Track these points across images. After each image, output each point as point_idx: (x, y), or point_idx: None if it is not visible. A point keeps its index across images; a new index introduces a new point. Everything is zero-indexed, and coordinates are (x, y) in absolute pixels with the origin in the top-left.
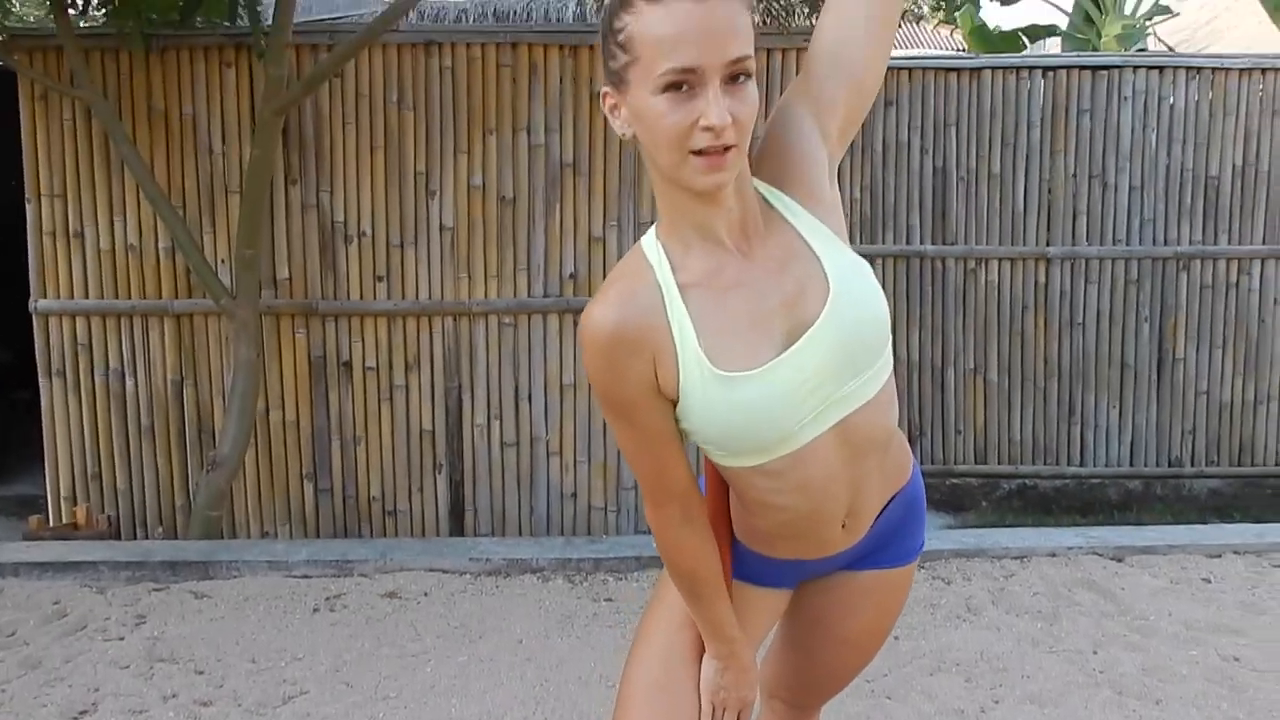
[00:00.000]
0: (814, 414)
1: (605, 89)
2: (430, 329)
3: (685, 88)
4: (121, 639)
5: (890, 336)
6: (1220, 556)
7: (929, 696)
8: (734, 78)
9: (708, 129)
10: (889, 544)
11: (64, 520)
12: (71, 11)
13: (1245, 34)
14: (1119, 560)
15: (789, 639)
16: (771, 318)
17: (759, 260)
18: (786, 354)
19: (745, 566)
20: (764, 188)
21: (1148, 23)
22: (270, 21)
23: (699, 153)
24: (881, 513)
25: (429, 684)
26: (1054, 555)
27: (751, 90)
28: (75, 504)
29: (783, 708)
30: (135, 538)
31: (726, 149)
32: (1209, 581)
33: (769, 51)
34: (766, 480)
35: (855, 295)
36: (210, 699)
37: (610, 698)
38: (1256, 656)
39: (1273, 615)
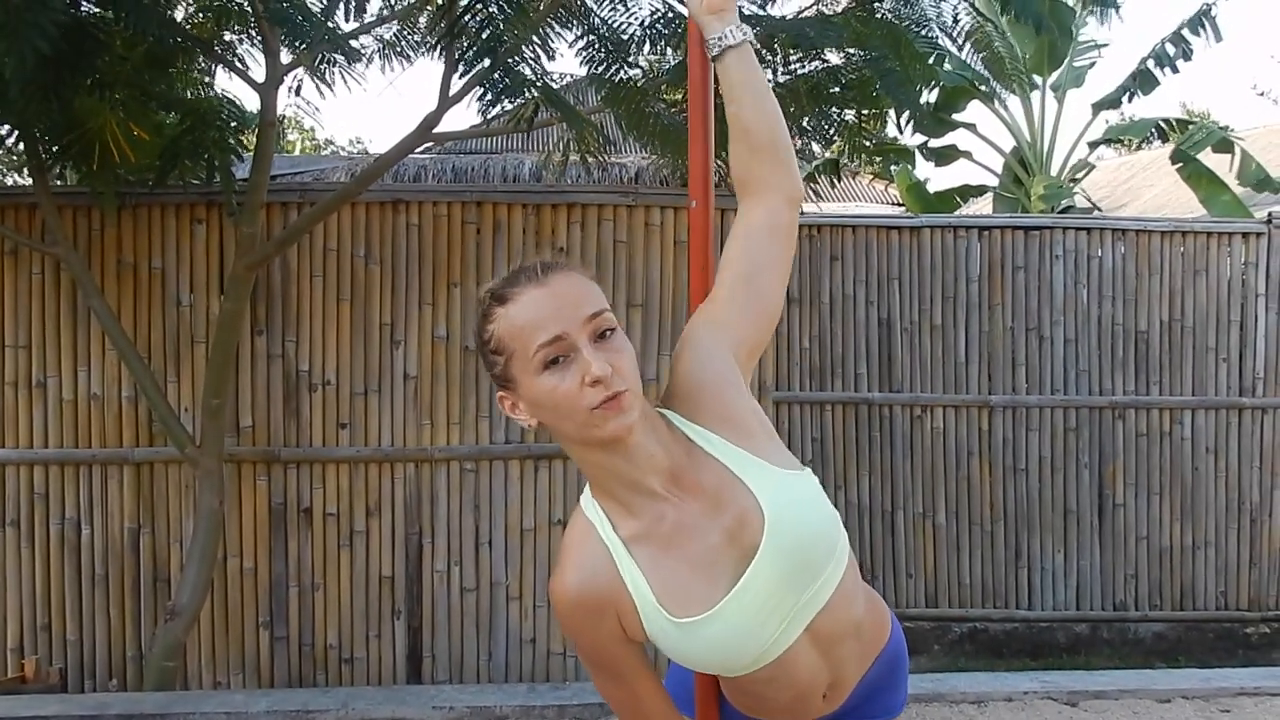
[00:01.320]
0: (780, 629)
1: (501, 394)
2: (392, 475)
3: (561, 359)
4: None
5: (841, 535)
6: (1170, 701)
7: None
8: (600, 335)
9: (595, 382)
10: (873, 698)
11: (9, 675)
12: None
13: (1162, 191)
14: (1073, 705)
15: None
16: (717, 554)
17: (694, 500)
18: (735, 589)
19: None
20: (681, 422)
21: (1071, 183)
22: (246, 179)
23: (597, 407)
24: (866, 675)
25: None
26: (1010, 700)
27: (620, 339)
28: (23, 656)
29: None
30: (84, 690)
31: (618, 395)
32: None
33: (722, 212)
34: (754, 684)
35: (791, 516)
36: None
37: None
38: None
39: None
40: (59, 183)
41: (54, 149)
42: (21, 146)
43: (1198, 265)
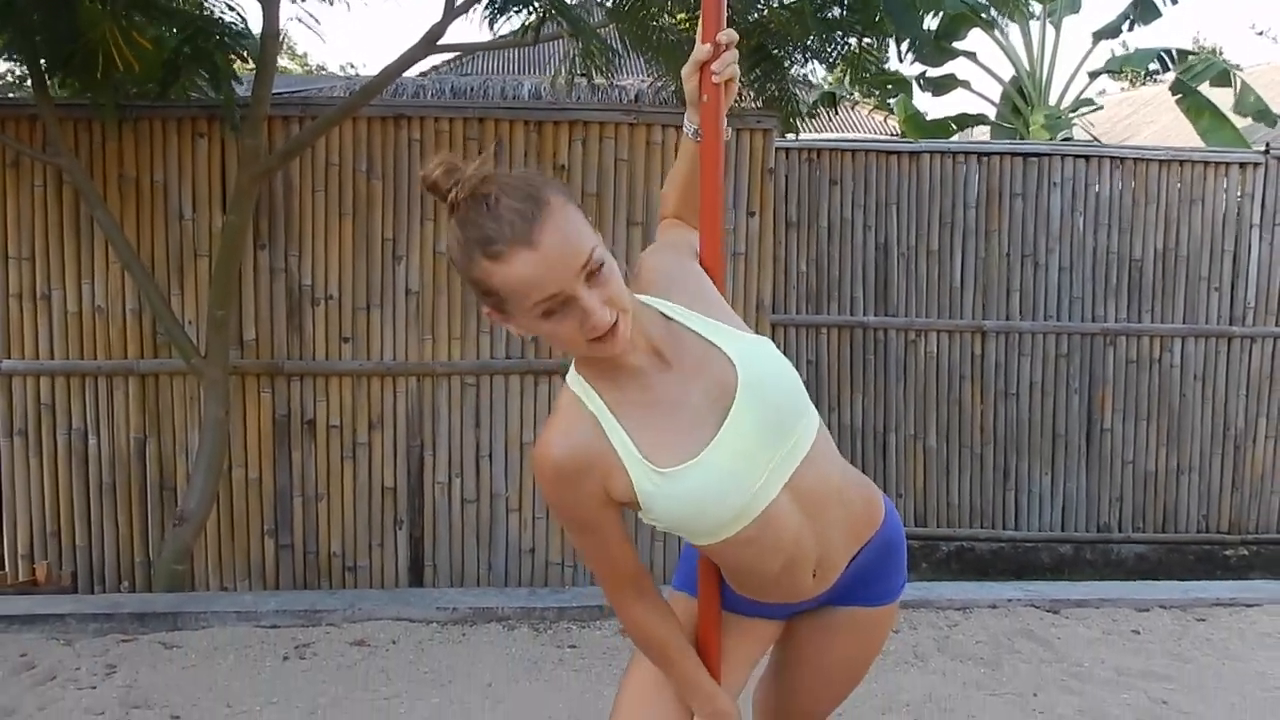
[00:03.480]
0: (761, 482)
1: (488, 310)
2: (394, 389)
3: (559, 306)
4: (94, 688)
5: (807, 399)
6: (1149, 611)
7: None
8: (592, 274)
9: (591, 326)
10: (869, 583)
11: (21, 579)
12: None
13: (1163, 128)
14: (1055, 612)
15: (774, 667)
16: (698, 412)
17: (675, 368)
18: (716, 439)
19: (733, 601)
20: (656, 302)
21: (1072, 114)
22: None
23: (592, 340)
24: (855, 558)
25: None
26: (994, 607)
27: (609, 270)
28: (34, 562)
29: None
30: (94, 593)
31: (614, 325)
32: (1138, 633)
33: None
34: (742, 548)
35: (762, 373)
36: None
37: None
38: (1183, 700)
39: (1197, 664)
40: (62, 93)
41: (55, 59)
42: (23, 61)
43: (1194, 195)
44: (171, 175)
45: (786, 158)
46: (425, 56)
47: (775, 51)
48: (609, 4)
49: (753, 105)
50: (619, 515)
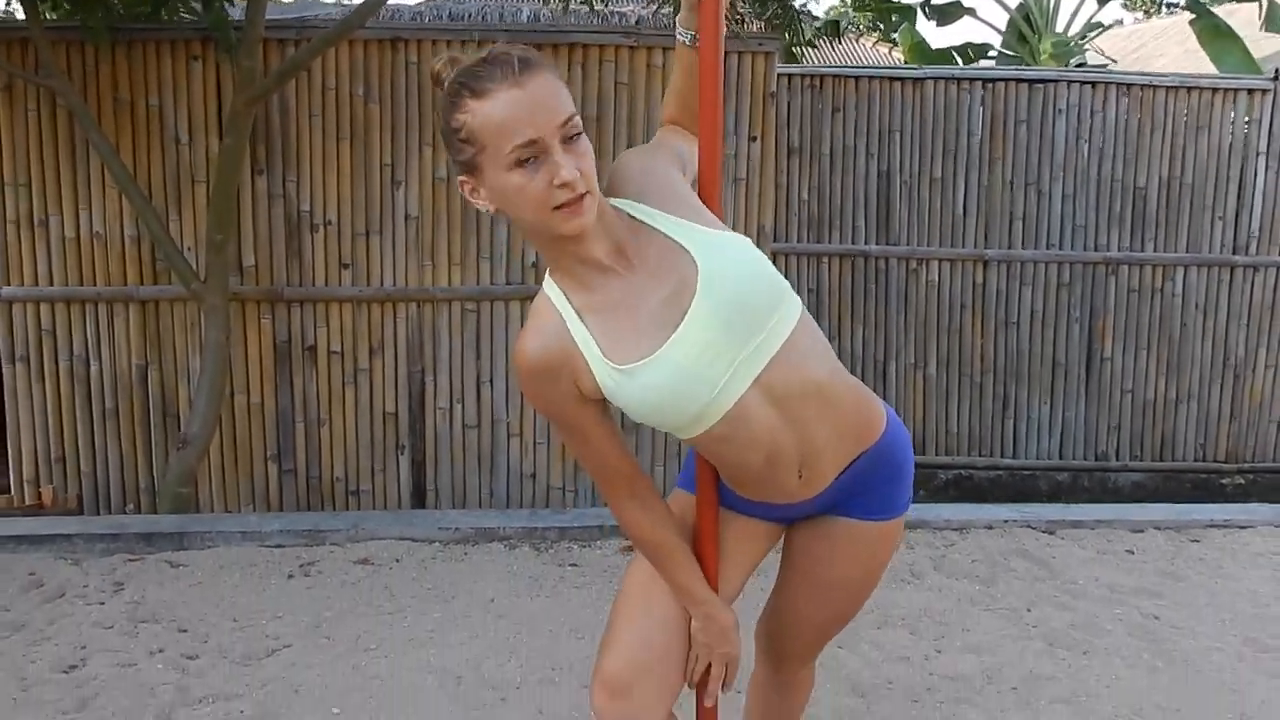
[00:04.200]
0: (726, 378)
1: (463, 178)
2: (394, 315)
3: (532, 159)
4: (102, 604)
5: (788, 295)
6: (1143, 531)
7: (877, 646)
8: (570, 138)
9: (564, 185)
10: (867, 493)
11: (27, 502)
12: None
13: (1171, 61)
14: (1050, 533)
15: (778, 586)
16: (660, 312)
17: (638, 270)
18: (674, 335)
19: (730, 500)
20: (626, 204)
21: (1081, 40)
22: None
23: (560, 207)
24: (847, 468)
25: (407, 637)
26: (990, 527)
27: (585, 143)
28: (39, 486)
29: (768, 663)
30: (100, 516)
31: (581, 197)
32: (1132, 553)
33: (725, 54)
34: (719, 444)
35: (726, 267)
36: (196, 653)
37: (581, 649)
38: (1175, 616)
39: (1189, 582)
40: (51, 16)
41: None
42: None
43: (1200, 122)
44: (167, 99)
45: (789, 85)
46: None
47: None
48: None
49: (754, 29)
50: (600, 413)
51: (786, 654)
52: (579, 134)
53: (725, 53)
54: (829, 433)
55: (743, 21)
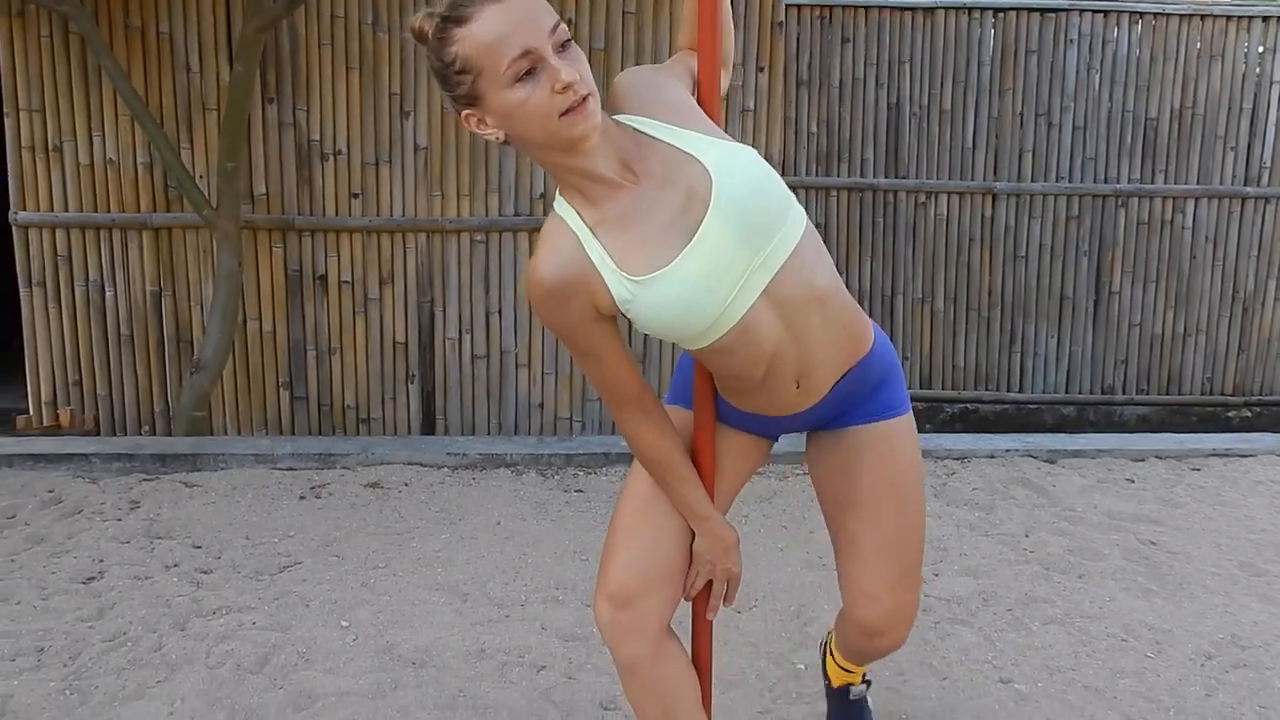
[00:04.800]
0: (738, 288)
1: (465, 112)
2: (404, 245)
3: (529, 72)
4: (119, 520)
5: (794, 206)
6: (1144, 460)
7: None
8: (561, 46)
9: (565, 88)
10: (863, 399)
11: (45, 424)
12: None
13: None
14: (1051, 462)
15: (836, 544)
16: (672, 223)
17: (645, 183)
18: (689, 245)
19: (726, 415)
20: (629, 119)
21: None
22: None
23: (565, 113)
24: (840, 380)
25: (415, 556)
26: (992, 457)
27: (577, 50)
28: (57, 409)
29: (856, 619)
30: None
31: (583, 99)
32: (1132, 481)
33: None
34: (725, 356)
35: (737, 177)
36: (210, 568)
37: (584, 570)
38: (1171, 541)
39: (1188, 509)
40: None
41: None
42: None
43: (1214, 50)
44: (177, 26)
45: (798, 16)
46: None
47: None
48: None
49: None
50: (612, 332)
51: (869, 597)
52: (569, 40)
53: None
54: (828, 344)
55: None
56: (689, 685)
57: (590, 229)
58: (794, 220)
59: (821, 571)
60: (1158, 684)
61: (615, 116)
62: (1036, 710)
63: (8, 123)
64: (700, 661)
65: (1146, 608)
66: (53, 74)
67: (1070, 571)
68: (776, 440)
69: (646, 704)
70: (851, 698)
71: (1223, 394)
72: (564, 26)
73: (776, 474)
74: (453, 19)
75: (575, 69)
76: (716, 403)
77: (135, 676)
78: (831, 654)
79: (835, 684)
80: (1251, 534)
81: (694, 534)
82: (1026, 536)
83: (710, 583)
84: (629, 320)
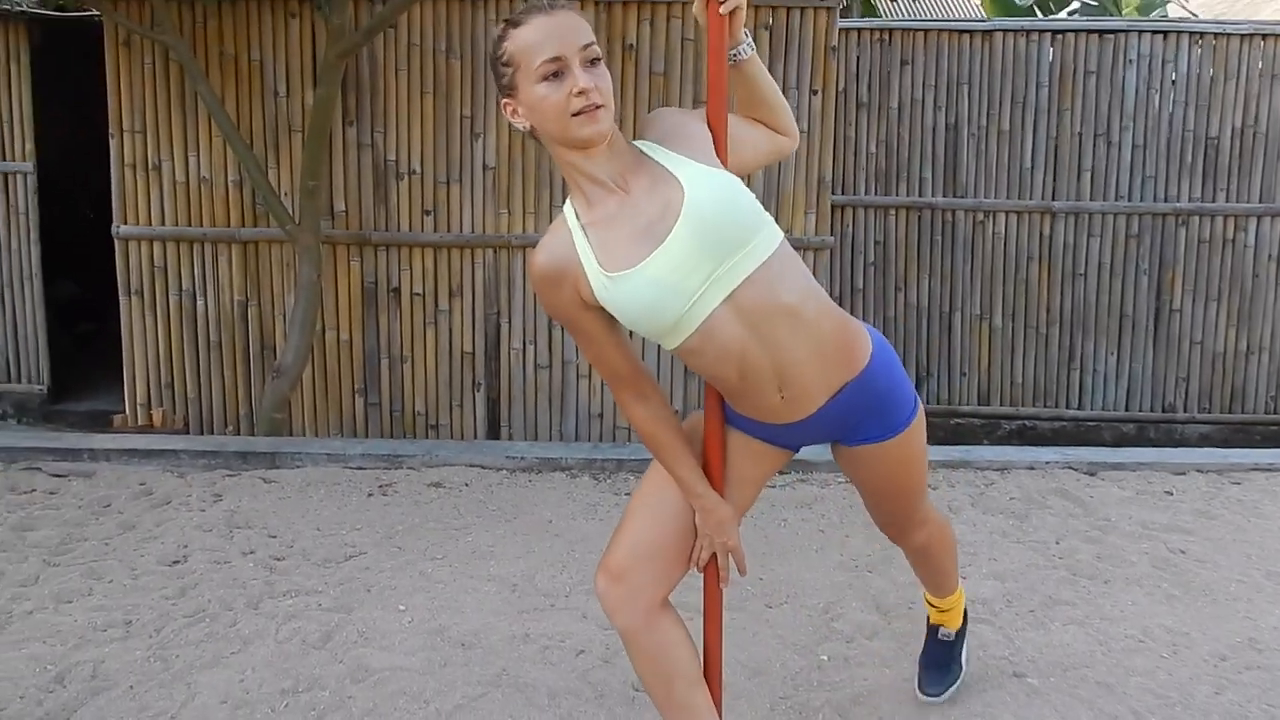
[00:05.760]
0: (700, 292)
1: (504, 100)
2: (473, 260)
3: (556, 75)
4: (203, 511)
5: (768, 225)
6: (1185, 474)
7: (905, 571)
8: (590, 62)
9: (580, 93)
10: (862, 422)
11: (140, 422)
12: None
13: None
14: (1091, 474)
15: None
16: (648, 229)
17: (634, 193)
18: (657, 250)
19: (735, 420)
20: (645, 145)
21: None
22: None
23: (577, 114)
24: (837, 395)
25: (471, 549)
26: (1032, 468)
27: (604, 69)
28: (151, 409)
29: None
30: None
31: (597, 107)
32: (1170, 494)
33: (788, 10)
34: (695, 357)
35: (709, 194)
36: (283, 555)
37: None
38: (1200, 550)
39: (1222, 521)
40: None
41: None
42: None
43: (1275, 70)
44: (267, 53)
45: (858, 39)
46: None
47: None
48: None
49: None
50: (603, 319)
51: (893, 536)
52: (598, 59)
53: (788, 8)
54: (806, 355)
55: None
56: (685, 657)
57: (583, 227)
58: (764, 239)
59: (853, 572)
60: (1169, 682)
61: (635, 141)
62: (1045, 703)
63: (113, 143)
64: (710, 628)
65: (1167, 611)
66: (154, 98)
67: (1096, 577)
68: (796, 451)
69: (645, 671)
70: (939, 637)
71: None
72: (596, 47)
73: (819, 482)
74: (512, 22)
75: (595, 81)
76: (728, 410)
77: (212, 648)
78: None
79: (931, 620)
80: None
81: (693, 514)
82: (1057, 544)
83: (716, 556)
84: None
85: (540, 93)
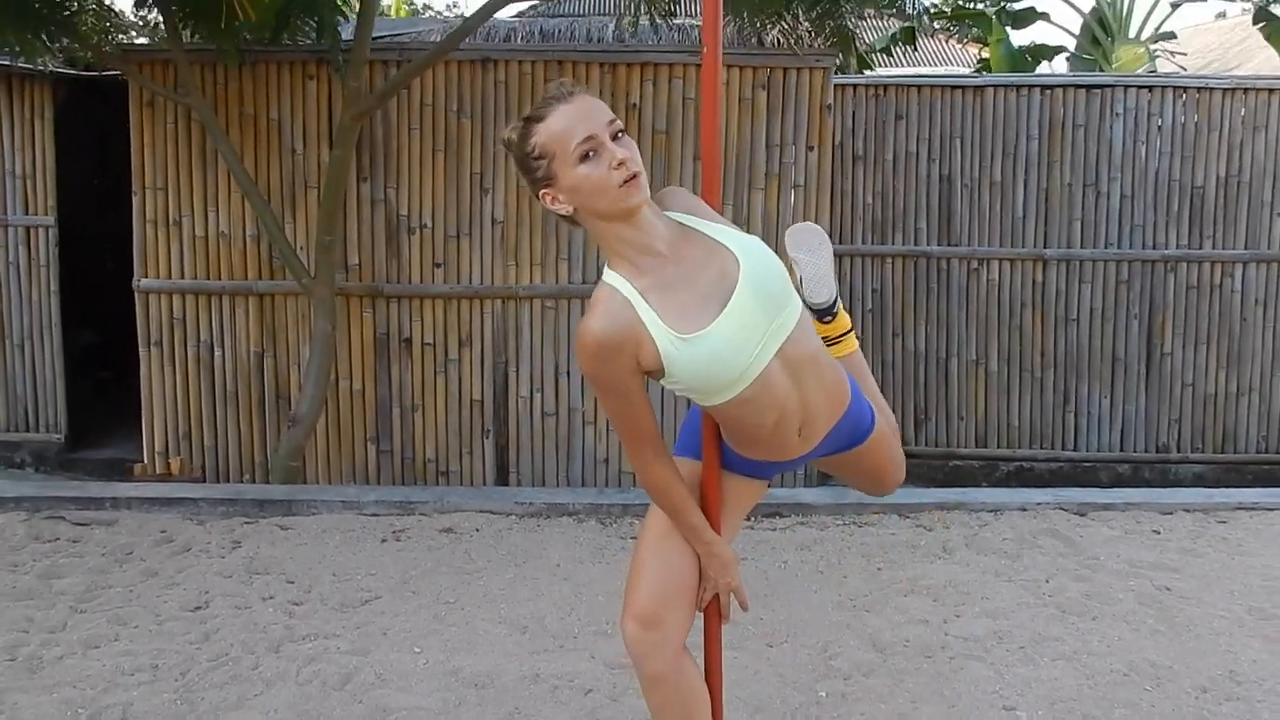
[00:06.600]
0: (759, 348)
1: (543, 191)
2: (481, 310)
3: (591, 154)
4: (223, 557)
5: (790, 282)
6: (1172, 513)
7: (901, 611)
8: (615, 136)
9: (619, 165)
10: (844, 441)
11: (158, 471)
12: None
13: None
14: (1082, 515)
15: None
16: (708, 292)
17: (687, 259)
18: (725, 310)
19: (732, 463)
20: (678, 215)
21: (1153, 46)
22: (349, 39)
23: (622, 185)
24: (833, 429)
25: (482, 593)
26: (1024, 509)
27: (629, 140)
28: (169, 457)
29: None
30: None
31: (634, 175)
32: (1158, 533)
33: (784, 71)
34: (745, 407)
35: (757, 260)
36: (301, 600)
37: None
38: (1186, 588)
39: (1208, 559)
40: (194, 37)
41: (185, 10)
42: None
43: (1257, 122)
44: (285, 113)
45: (854, 94)
46: (505, 6)
47: None
48: None
49: (814, 44)
50: (643, 384)
51: (870, 493)
52: (623, 131)
53: (784, 68)
54: (821, 397)
55: (800, 41)
56: (704, 698)
57: (640, 293)
58: (795, 299)
59: (850, 612)
60: (1152, 713)
61: (666, 212)
62: None
63: (135, 200)
64: (711, 665)
65: (1152, 646)
66: (175, 157)
67: (1085, 614)
68: (771, 481)
69: (670, 714)
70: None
71: (1278, 452)
72: (618, 121)
73: (818, 524)
74: (533, 118)
75: (628, 152)
76: (723, 452)
77: (235, 690)
78: None
79: None
80: (1265, 581)
81: (699, 558)
82: (1047, 582)
83: (718, 595)
84: (663, 376)
85: (582, 173)
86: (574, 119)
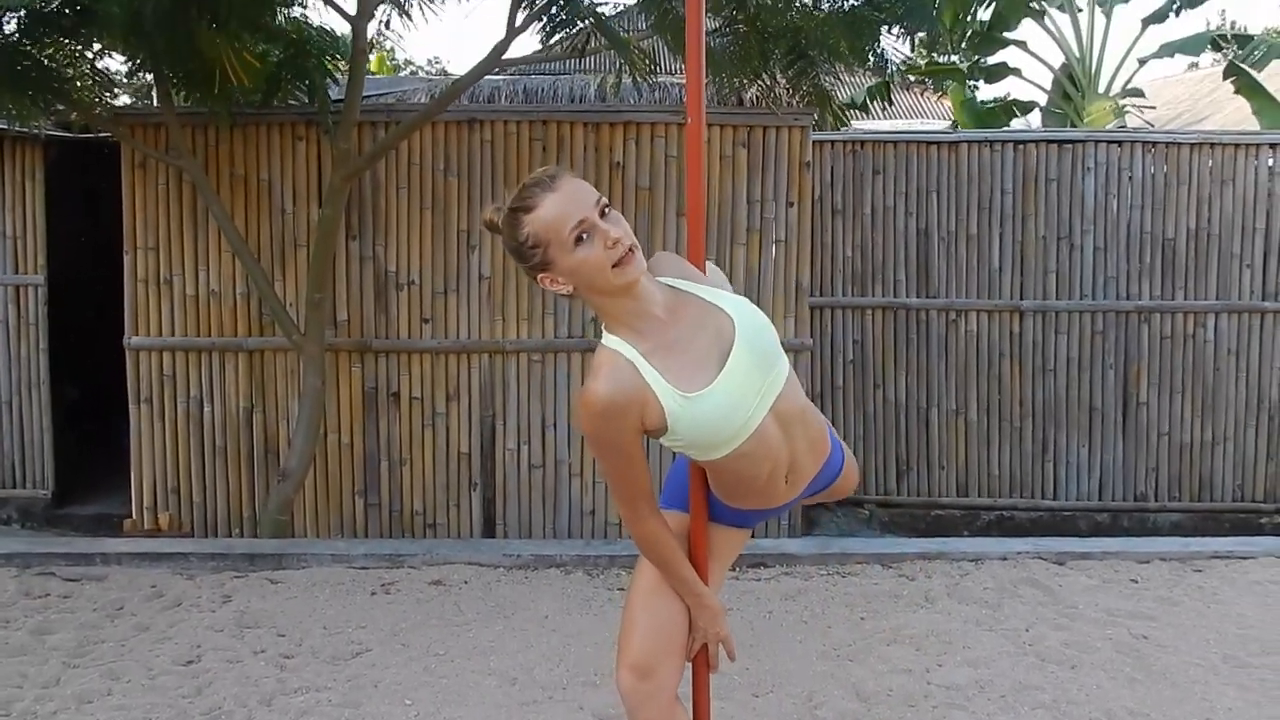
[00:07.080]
0: (756, 403)
1: (541, 275)
2: (469, 365)
3: (584, 236)
4: (214, 611)
5: (779, 344)
6: (1149, 562)
7: (883, 660)
8: (604, 213)
9: (614, 243)
10: (822, 483)
11: (147, 527)
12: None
13: (1246, 103)
14: (1060, 564)
15: None
16: (707, 351)
17: (684, 321)
18: (725, 369)
19: (720, 514)
20: (670, 280)
21: (1121, 102)
22: (339, 100)
23: (616, 264)
24: (816, 477)
25: (472, 645)
26: (1005, 559)
27: (617, 214)
28: (158, 512)
29: None
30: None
31: (630, 251)
32: (1135, 581)
33: (764, 129)
34: (742, 461)
35: (750, 320)
36: (292, 654)
37: None
38: (1163, 636)
39: (1184, 607)
40: (186, 101)
41: (178, 75)
42: (150, 76)
43: (1225, 175)
44: (275, 173)
45: (832, 149)
46: (491, 69)
47: (811, 53)
48: (651, 19)
49: (791, 101)
50: (643, 444)
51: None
52: (609, 207)
53: (764, 127)
54: (806, 447)
55: (779, 101)
56: None
57: (643, 356)
58: (783, 355)
59: (834, 662)
60: None
61: (658, 278)
62: None
63: (126, 259)
64: (699, 714)
65: (1129, 694)
66: (166, 216)
67: (1064, 663)
68: (754, 531)
69: None
70: None
71: (1254, 500)
72: (604, 198)
73: (802, 575)
74: (520, 209)
75: (619, 229)
76: (712, 506)
77: None
78: None
79: None
80: (1240, 630)
81: (689, 609)
82: (1027, 631)
83: (706, 645)
84: (664, 434)
85: (579, 256)
86: (564, 205)
